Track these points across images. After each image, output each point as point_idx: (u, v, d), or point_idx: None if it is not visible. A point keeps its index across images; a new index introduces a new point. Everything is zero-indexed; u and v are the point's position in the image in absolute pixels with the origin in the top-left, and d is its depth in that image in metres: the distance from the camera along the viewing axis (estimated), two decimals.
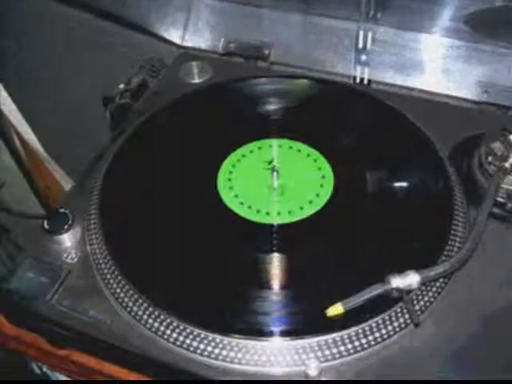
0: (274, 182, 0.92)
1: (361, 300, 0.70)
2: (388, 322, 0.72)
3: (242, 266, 0.82)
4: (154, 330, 0.74)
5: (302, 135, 0.99)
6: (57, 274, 0.81)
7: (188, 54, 1.18)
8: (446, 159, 0.92)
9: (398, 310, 0.73)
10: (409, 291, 0.71)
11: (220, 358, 0.71)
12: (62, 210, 0.86)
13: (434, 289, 0.76)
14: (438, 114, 0.99)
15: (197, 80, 1.11)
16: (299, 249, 0.84)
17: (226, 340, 0.71)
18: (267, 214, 0.88)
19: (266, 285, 0.79)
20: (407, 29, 1.00)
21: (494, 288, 0.77)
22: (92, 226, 0.85)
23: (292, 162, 0.95)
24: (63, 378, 0.91)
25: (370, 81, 1.09)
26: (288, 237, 0.85)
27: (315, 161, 0.95)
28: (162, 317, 0.74)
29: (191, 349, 0.72)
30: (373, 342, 0.72)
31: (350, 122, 1.01)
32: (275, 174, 0.92)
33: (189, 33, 1.18)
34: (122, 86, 1.09)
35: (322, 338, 0.71)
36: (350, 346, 0.71)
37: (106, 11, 1.19)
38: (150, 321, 0.74)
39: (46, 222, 0.84)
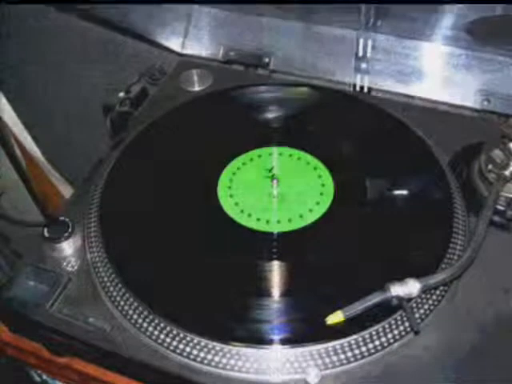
0: (274, 190, 0.92)
1: (361, 308, 0.70)
2: (388, 330, 0.72)
3: (242, 274, 0.82)
4: (153, 337, 0.74)
5: (302, 143, 0.99)
6: (57, 282, 0.81)
7: (188, 62, 1.18)
8: (447, 167, 0.92)
9: (398, 317, 0.73)
10: (409, 299, 0.71)
11: (220, 366, 0.71)
12: (62, 218, 0.86)
13: (435, 297, 0.76)
14: (439, 122, 0.99)
15: (197, 88, 1.11)
16: (299, 257, 0.84)
17: (226, 348, 0.71)
18: (267, 222, 0.88)
19: (266, 293, 0.78)
20: (407, 37, 1.01)
21: (494, 296, 0.77)
22: (92, 233, 0.85)
23: (292, 170, 0.95)
24: None
25: (370, 89, 1.09)
26: (288, 245, 0.85)
27: (315, 169, 0.95)
28: (161, 325, 0.74)
29: (191, 357, 0.72)
30: (373, 350, 0.72)
31: (350, 131, 1.01)
32: (275, 182, 0.92)
33: (189, 41, 1.18)
34: (121, 94, 1.09)
35: (322, 346, 0.71)
36: (350, 354, 0.71)
37: (106, 20, 1.19)
38: (150, 329, 0.74)
39: (45, 230, 0.84)
